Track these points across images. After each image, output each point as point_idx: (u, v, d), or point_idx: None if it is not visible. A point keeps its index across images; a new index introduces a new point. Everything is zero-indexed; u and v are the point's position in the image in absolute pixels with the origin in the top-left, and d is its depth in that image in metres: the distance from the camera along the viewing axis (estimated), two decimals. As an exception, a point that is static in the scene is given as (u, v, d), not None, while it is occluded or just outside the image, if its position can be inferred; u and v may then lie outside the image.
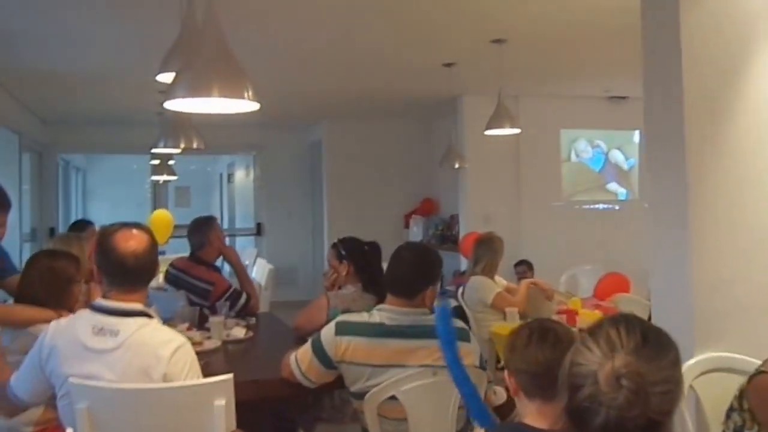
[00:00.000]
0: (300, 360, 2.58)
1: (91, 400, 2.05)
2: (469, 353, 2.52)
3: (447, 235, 8.19)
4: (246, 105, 2.12)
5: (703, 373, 2.39)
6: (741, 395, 2.07)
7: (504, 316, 4.35)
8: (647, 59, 2.65)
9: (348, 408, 3.13)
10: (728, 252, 2.45)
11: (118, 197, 12.50)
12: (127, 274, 2.14)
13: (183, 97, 2.05)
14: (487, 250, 4.58)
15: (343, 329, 2.51)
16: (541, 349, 1.65)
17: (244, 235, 10.96)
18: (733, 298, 2.44)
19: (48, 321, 2.62)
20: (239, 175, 12.95)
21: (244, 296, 4.10)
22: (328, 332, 2.54)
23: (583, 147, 7.80)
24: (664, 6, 2.51)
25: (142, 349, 2.07)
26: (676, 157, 2.46)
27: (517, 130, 4.92)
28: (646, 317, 4.22)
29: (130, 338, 2.07)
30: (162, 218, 6.94)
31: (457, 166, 5.84)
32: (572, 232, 7.35)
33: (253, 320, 3.86)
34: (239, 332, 3.41)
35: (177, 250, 9.59)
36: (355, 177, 8.95)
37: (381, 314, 2.52)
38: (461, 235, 7.38)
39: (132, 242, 2.13)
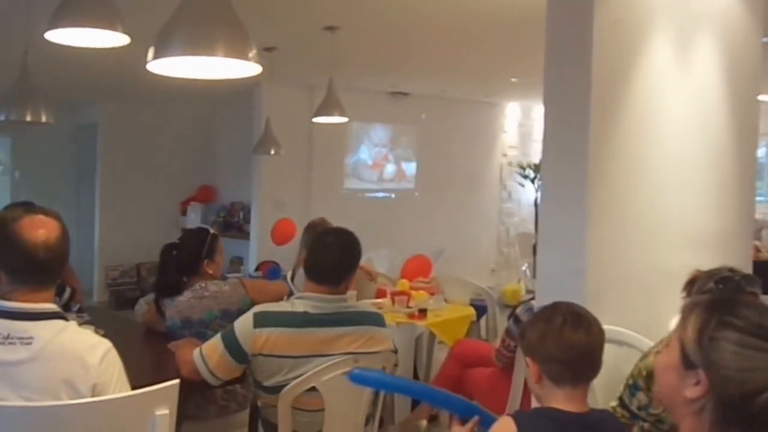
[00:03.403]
0: (207, 356, 2.42)
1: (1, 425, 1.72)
2: (385, 339, 2.58)
3: (231, 222, 8.01)
4: (248, 68, 1.90)
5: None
6: (648, 376, 2.19)
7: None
8: (550, 49, 2.77)
9: (211, 406, 3.00)
10: (616, 235, 2.72)
11: None
12: (36, 269, 1.81)
13: (178, 55, 1.77)
14: (318, 235, 4.59)
15: (262, 321, 2.39)
16: (577, 334, 1.65)
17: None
18: (616, 277, 2.71)
19: None
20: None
21: (68, 290, 3.67)
22: (244, 325, 2.40)
23: (374, 139, 8.15)
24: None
25: (64, 357, 1.77)
26: (578, 144, 2.62)
27: (345, 119, 5.00)
28: (469, 296, 4.62)
29: (49, 346, 1.76)
30: None
31: (273, 152, 5.76)
32: (358, 218, 7.62)
33: (86, 316, 3.46)
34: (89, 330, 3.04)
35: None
36: (131, 163, 8.37)
37: (304, 303, 2.45)
38: (253, 221, 7.30)
39: (42, 230, 1.81)
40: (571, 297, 1.90)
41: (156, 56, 1.94)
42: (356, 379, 1.95)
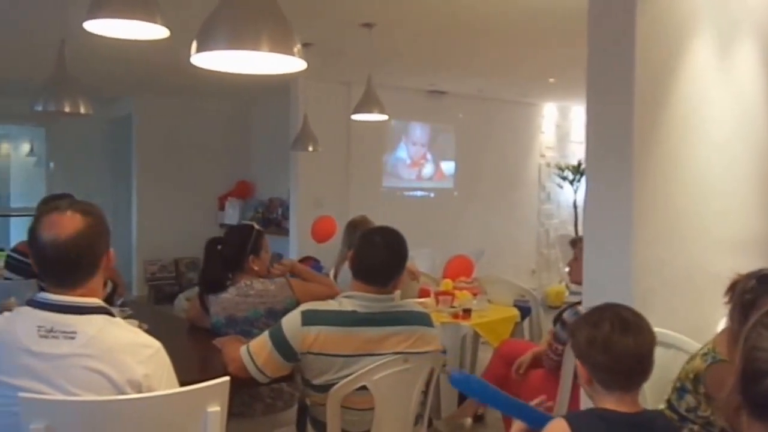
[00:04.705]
0: (255, 353, 2.39)
1: (51, 419, 1.67)
2: (434, 339, 2.53)
3: (269, 218, 8.02)
4: (292, 63, 1.87)
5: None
6: (695, 379, 2.21)
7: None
8: (593, 49, 2.75)
9: (258, 404, 2.97)
10: (661, 238, 2.68)
11: None
12: (48, 268, 1.79)
13: (222, 49, 1.74)
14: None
15: (311, 319, 2.36)
16: (624, 341, 1.62)
17: (22, 216, 9.76)
18: (662, 280, 2.68)
19: None
20: (8, 147, 11.46)
21: (110, 284, 3.68)
22: (292, 323, 2.37)
23: (412, 137, 8.10)
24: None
25: (109, 354, 1.72)
26: (623, 145, 2.60)
27: (385, 117, 4.95)
28: (513, 297, 4.55)
29: (93, 341, 1.71)
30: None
31: (310, 149, 5.72)
32: (397, 217, 7.57)
33: (128, 310, 3.47)
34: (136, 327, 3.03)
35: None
36: (167, 157, 8.43)
37: (352, 302, 2.41)
38: (292, 218, 7.30)
39: (54, 230, 1.75)
40: (617, 300, 1.89)
41: (199, 49, 1.92)
42: (457, 383, 1.89)
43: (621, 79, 2.64)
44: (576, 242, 3.72)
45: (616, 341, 1.62)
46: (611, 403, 1.64)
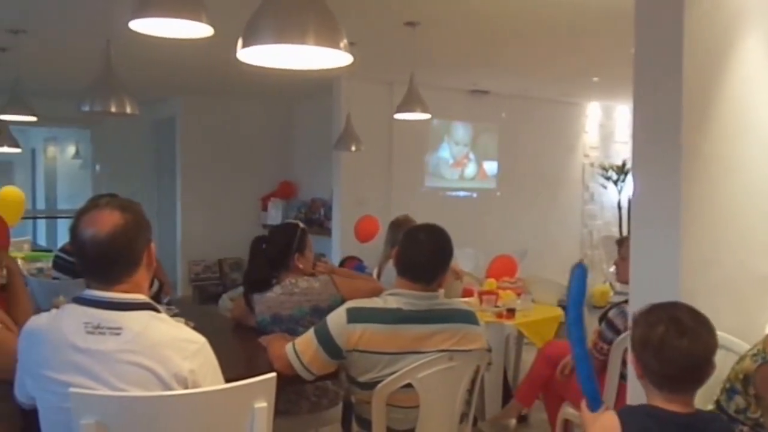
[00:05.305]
0: (301, 351, 2.39)
1: (102, 415, 1.68)
2: (479, 337, 2.50)
3: (312, 218, 8.07)
4: (339, 57, 1.86)
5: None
6: (745, 379, 2.18)
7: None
8: (640, 46, 2.72)
9: (303, 402, 2.98)
10: (709, 238, 2.63)
11: None
12: (87, 266, 1.80)
13: (268, 44, 1.74)
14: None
15: (356, 316, 2.36)
16: (679, 345, 1.59)
17: (70, 217, 9.97)
18: (709, 280, 2.62)
19: None
20: (54, 150, 11.74)
21: (156, 283, 3.73)
22: (337, 320, 2.37)
23: (455, 137, 8.07)
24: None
25: (154, 350, 1.73)
26: (671, 145, 2.56)
27: (427, 116, 4.93)
28: (557, 297, 4.49)
29: (139, 337, 1.72)
30: (11, 196, 6.04)
31: (353, 149, 5.74)
32: (440, 217, 7.53)
33: (174, 308, 3.51)
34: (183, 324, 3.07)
35: (25, 232, 8.50)
36: (211, 158, 8.55)
37: (397, 299, 2.40)
38: (335, 218, 7.33)
39: (93, 227, 1.76)
40: (665, 299, 1.84)
41: (245, 45, 1.92)
42: (581, 270, 1.93)
43: (669, 78, 2.60)
44: (622, 242, 3.67)
45: (669, 346, 1.60)
46: (661, 401, 1.63)
